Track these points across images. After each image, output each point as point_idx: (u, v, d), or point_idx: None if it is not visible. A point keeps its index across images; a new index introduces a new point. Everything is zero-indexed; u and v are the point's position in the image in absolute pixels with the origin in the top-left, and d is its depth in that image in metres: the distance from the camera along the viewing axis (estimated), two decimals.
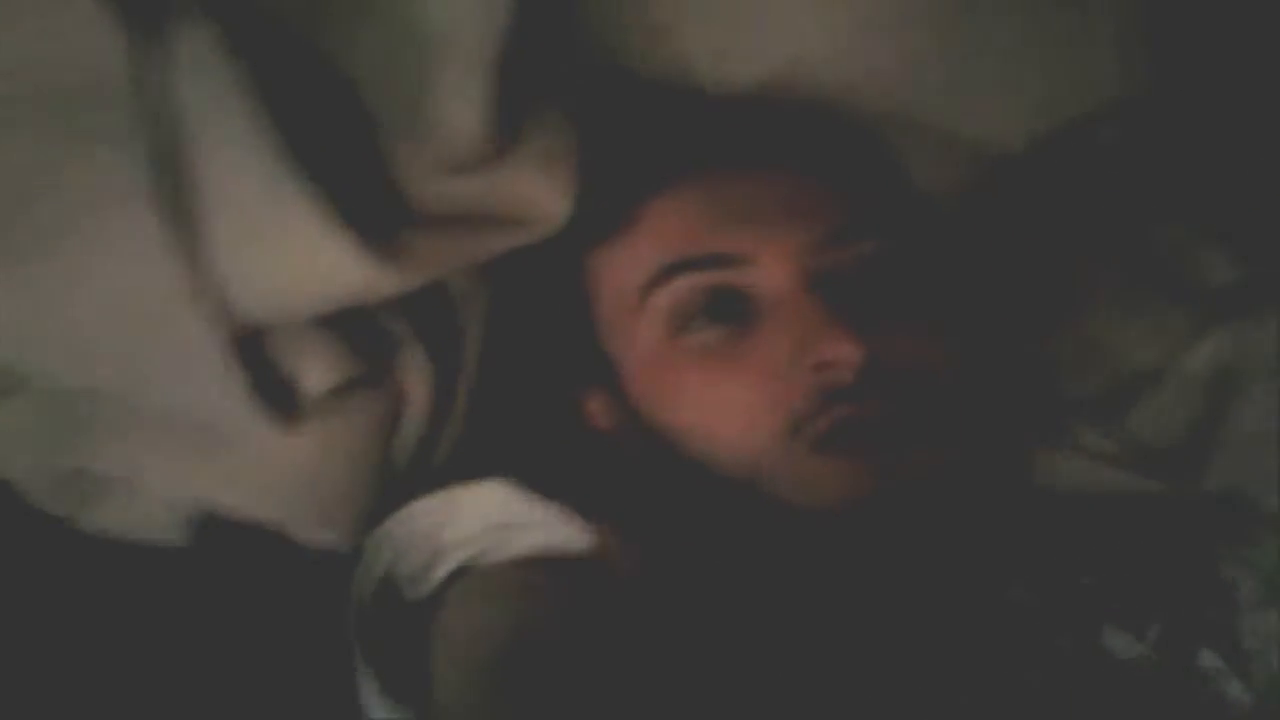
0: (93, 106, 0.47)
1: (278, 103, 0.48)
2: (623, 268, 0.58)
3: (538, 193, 0.54)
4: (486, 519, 0.54)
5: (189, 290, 0.47)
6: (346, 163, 0.50)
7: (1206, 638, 0.51)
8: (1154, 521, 0.59)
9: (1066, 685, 0.49)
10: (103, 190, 0.46)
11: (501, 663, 0.49)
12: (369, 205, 0.49)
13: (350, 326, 0.54)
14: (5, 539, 0.60)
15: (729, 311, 0.56)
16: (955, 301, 0.61)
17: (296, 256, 0.48)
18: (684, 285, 0.56)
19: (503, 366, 0.63)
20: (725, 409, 0.55)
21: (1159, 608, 0.53)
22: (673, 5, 0.60)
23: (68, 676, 0.61)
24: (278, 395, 0.52)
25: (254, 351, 0.50)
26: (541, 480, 0.55)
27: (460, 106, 0.51)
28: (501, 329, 0.62)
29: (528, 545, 0.54)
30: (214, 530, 0.58)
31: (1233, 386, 0.63)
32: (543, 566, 0.53)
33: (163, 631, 0.62)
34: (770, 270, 0.55)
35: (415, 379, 0.58)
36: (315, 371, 0.53)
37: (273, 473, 0.54)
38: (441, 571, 0.55)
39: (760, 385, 0.54)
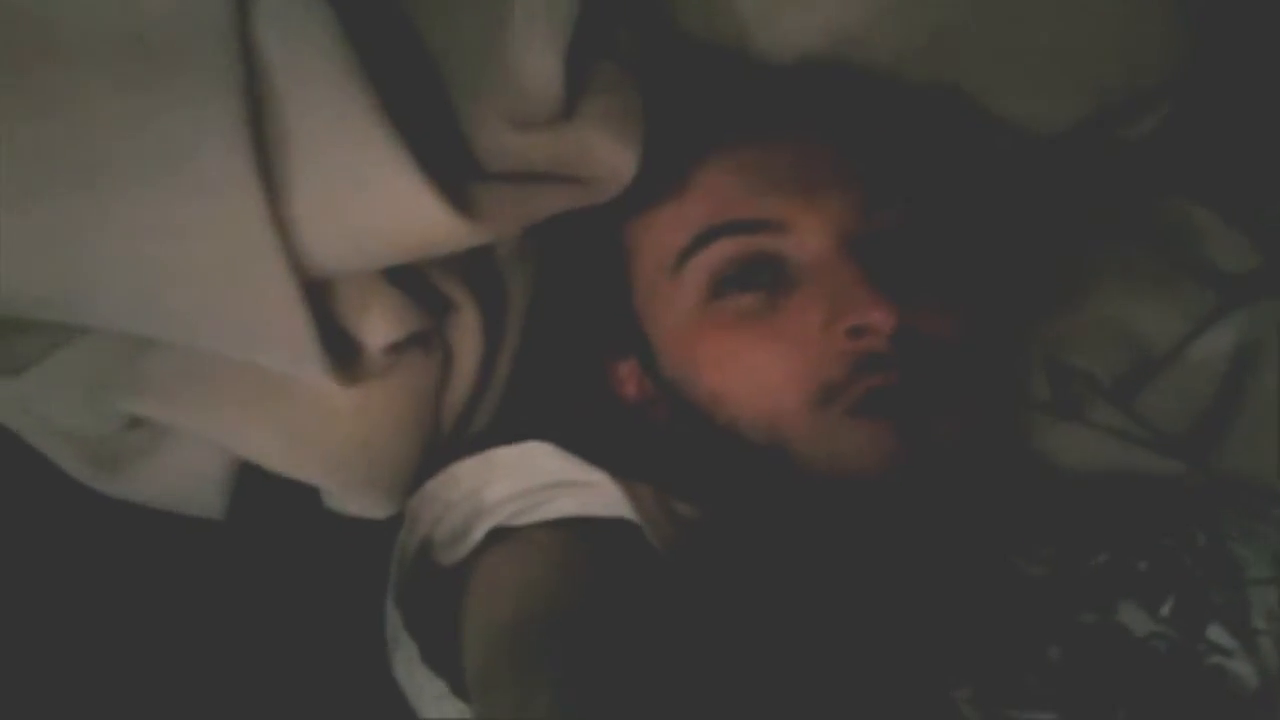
0: (188, 47, 0.46)
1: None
2: (663, 231, 0.59)
3: (606, 150, 0.54)
4: (526, 480, 0.55)
5: (271, 234, 0.46)
6: (419, 118, 0.50)
7: (1217, 614, 0.52)
8: (1164, 499, 0.61)
9: (1086, 661, 0.50)
10: (193, 133, 0.46)
11: (530, 626, 0.49)
12: (442, 160, 0.49)
13: (408, 285, 0.54)
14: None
15: (765, 277, 0.56)
16: (977, 273, 0.62)
17: (380, 205, 0.47)
18: (723, 250, 0.56)
19: (545, 331, 0.63)
20: (758, 374, 0.55)
21: (1172, 583, 0.54)
22: None
23: (96, 653, 0.61)
24: (340, 348, 0.52)
25: (320, 303, 0.50)
26: (580, 446, 0.55)
27: (538, 61, 0.51)
28: (545, 294, 0.62)
29: (565, 508, 0.54)
30: (247, 506, 0.58)
31: (1249, 368, 0.64)
32: (579, 529, 0.54)
33: (195, 609, 0.63)
34: (808, 236, 0.55)
35: (465, 341, 0.57)
36: (379, 325, 0.52)
37: (328, 429, 0.53)
38: (479, 533, 0.55)
39: (794, 350, 0.55)
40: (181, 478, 0.57)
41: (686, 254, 0.57)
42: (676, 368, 0.59)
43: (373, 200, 0.47)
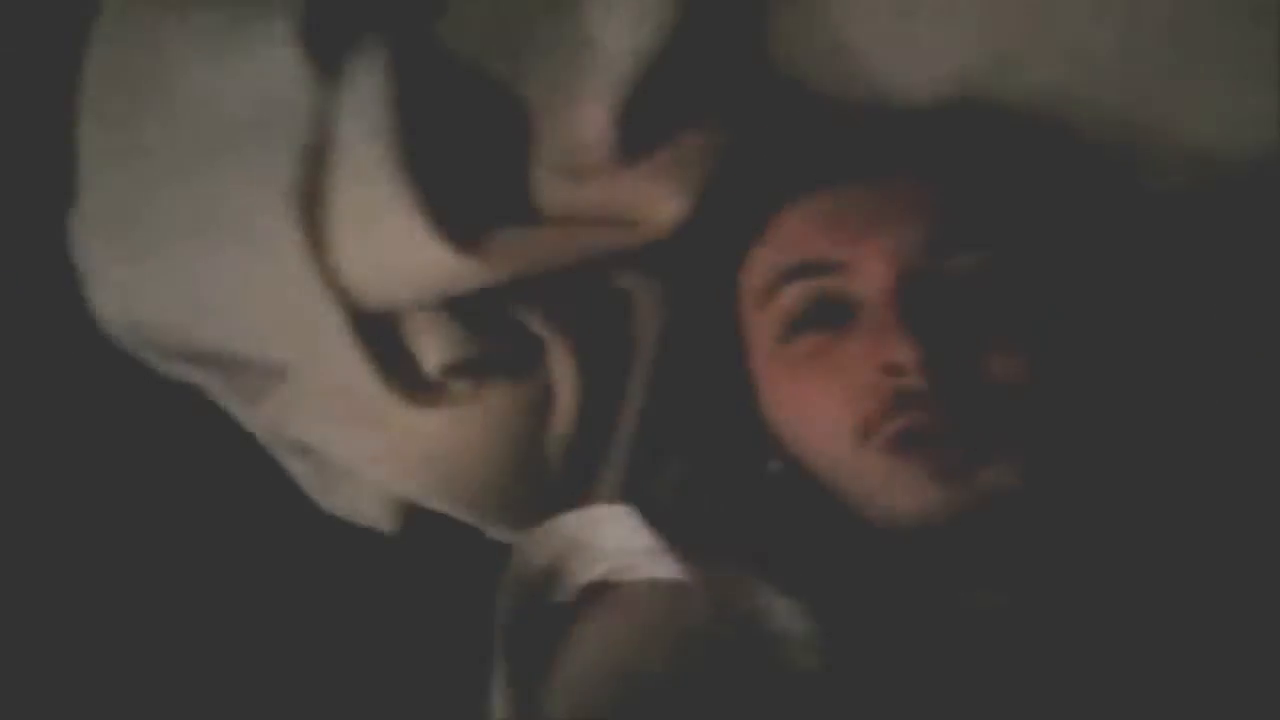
0: (264, 137, 0.57)
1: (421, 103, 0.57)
2: (754, 273, 0.60)
3: (647, 199, 0.58)
4: (621, 541, 0.57)
5: (316, 280, 0.57)
6: (468, 159, 0.58)
7: None
8: None
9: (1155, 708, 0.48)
10: (256, 202, 0.57)
11: (630, 678, 0.52)
12: (475, 201, 0.57)
13: (488, 321, 0.61)
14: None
15: (832, 317, 0.57)
16: (1069, 321, 0.58)
17: (392, 252, 0.56)
18: (793, 293, 0.58)
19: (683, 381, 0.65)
20: (811, 412, 0.57)
21: None
22: (855, 24, 0.62)
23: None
24: (409, 375, 0.60)
25: (386, 335, 0.60)
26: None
27: (591, 117, 0.57)
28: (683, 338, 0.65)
29: (653, 573, 0.56)
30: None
31: None
32: (670, 591, 0.56)
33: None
34: (868, 275, 0.55)
35: (561, 376, 0.62)
36: (432, 348, 0.59)
37: (411, 446, 0.61)
38: (581, 580, 0.58)
39: (839, 388, 0.55)
40: (360, 495, 0.66)
41: (764, 297, 0.59)
42: (766, 406, 0.61)
43: (387, 249, 0.56)
